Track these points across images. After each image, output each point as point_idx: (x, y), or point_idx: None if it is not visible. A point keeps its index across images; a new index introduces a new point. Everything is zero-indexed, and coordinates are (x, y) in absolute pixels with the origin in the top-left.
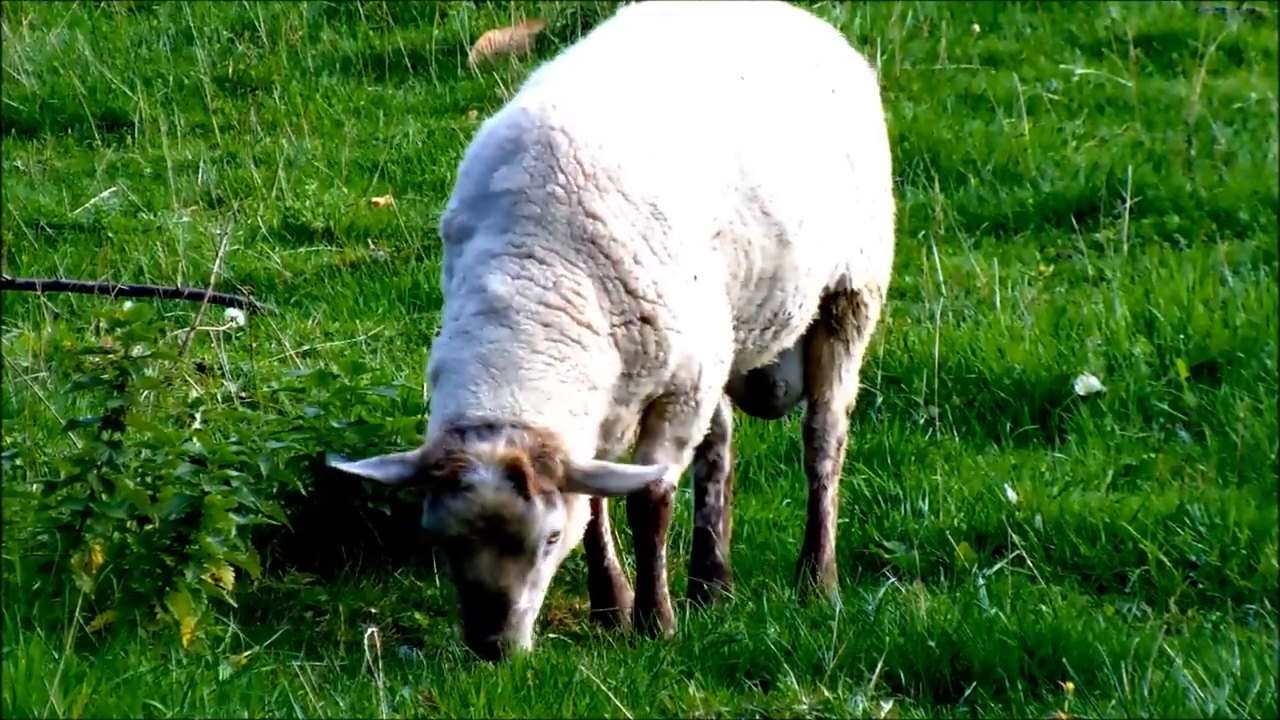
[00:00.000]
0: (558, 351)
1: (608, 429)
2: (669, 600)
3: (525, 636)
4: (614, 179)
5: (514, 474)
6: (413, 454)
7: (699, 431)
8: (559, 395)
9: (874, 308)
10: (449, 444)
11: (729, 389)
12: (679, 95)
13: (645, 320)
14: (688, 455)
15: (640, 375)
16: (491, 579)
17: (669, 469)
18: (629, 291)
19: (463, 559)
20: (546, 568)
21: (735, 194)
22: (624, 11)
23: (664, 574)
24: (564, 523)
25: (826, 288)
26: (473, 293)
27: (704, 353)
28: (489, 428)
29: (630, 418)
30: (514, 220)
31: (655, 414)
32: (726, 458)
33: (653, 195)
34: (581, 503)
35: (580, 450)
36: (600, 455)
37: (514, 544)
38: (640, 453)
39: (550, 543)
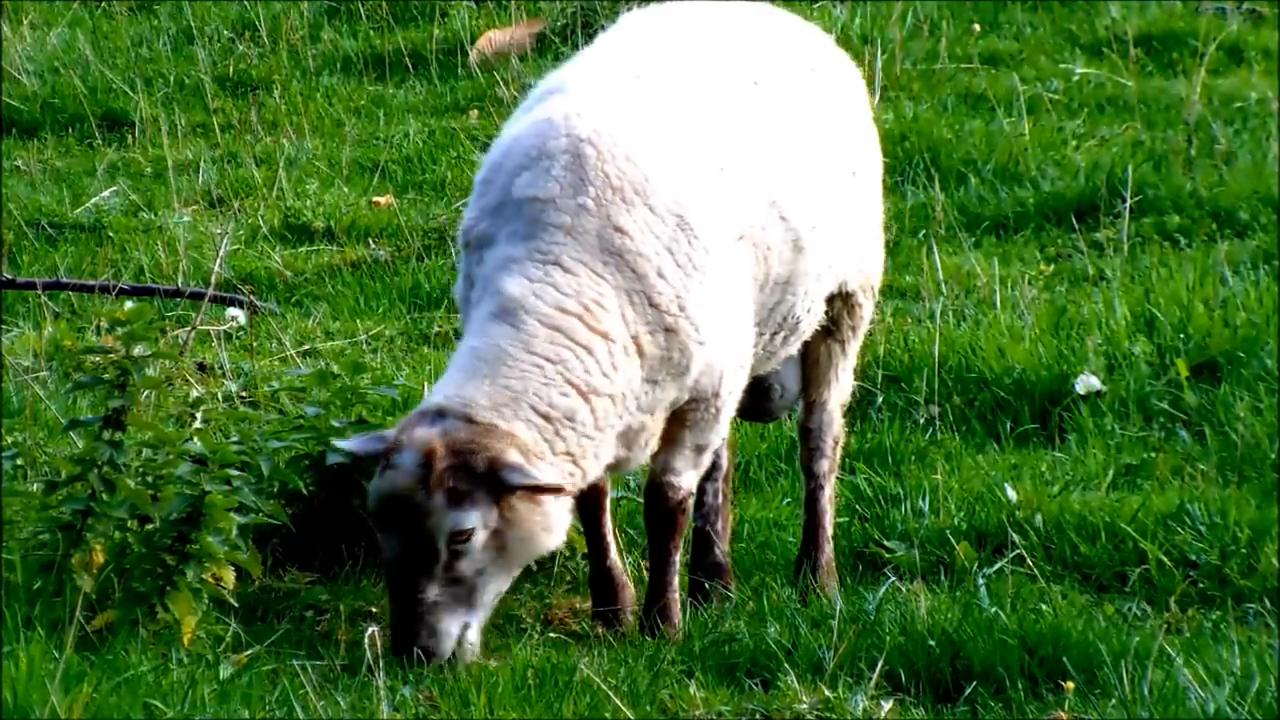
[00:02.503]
0: (554, 354)
1: (630, 437)
2: (678, 605)
3: (443, 638)
4: (640, 192)
5: (427, 463)
6: (388, 431)
7: (718, 437)
8: (531, 395)
9: (868, 308)
10: (405, 425)
11: None
12: (698, 102)
13: (669, 331)
14: (706, 460)
15: (665, 381)
16: (396, 561)
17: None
18: (653, 305)
19: (381, 536)
20: (468, 566)
21: (755, 199)
22: (626, 17)
23: (675, 580)
24: (482, 523)
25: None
26: (490, 296)
27: (725, 359)
28: (439, 414)
29: (655, 426)
30: (541, 228)
31: (677, 422)
32: (725, 457)
33: (679, 206)
34: (547, 508)
35: (547, 455)
36: (621, 462)
37: (415, 532)
38: (660, 460)
39: (460, 541)
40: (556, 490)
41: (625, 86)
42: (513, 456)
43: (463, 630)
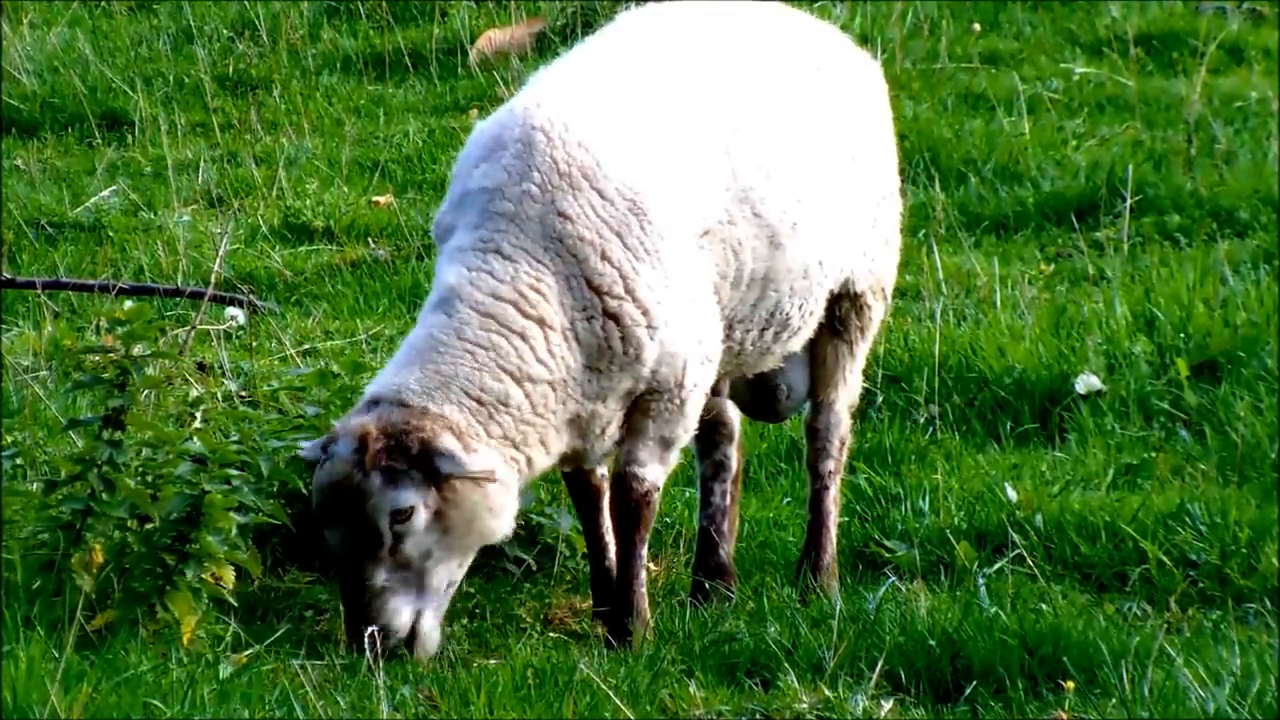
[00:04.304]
0: (486, 340)
1: (583, 425)
2: (646, 599)
3: (395, 615)
4: (589, 177)
5: (361, 446)
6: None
7: (685, 432)
8: (462, 380)
9: (878, 310)
10: (342, 420)
11: (731, 392)
12: (671, 95)
13: (610, 316)
14: (673, 457)
15: (611, 370)
16: (343, 552)
17: (503, 468)
18: (593, 288)
19: (325, 531)
20: (413, 548)
21: (725, 194)
22: (623, 15)
23: (642, 573)
24: (422, 502)
25: (830, 290)
26: (435, 287)
27: (688, 350)
28: (374, 404)
29: (609, 414)
30: (487, 217)
31: (640, 412)
32: (733, 458)
33: (632, 191)
34: (489, 489)
35: (482, 437)
36: (580, 453)
37: (358, 517)
38: (625, 450)
39: (401, 521)
40: (487, 477)
41: (596, 79)
42: (445, 441)
43: (416, 617)
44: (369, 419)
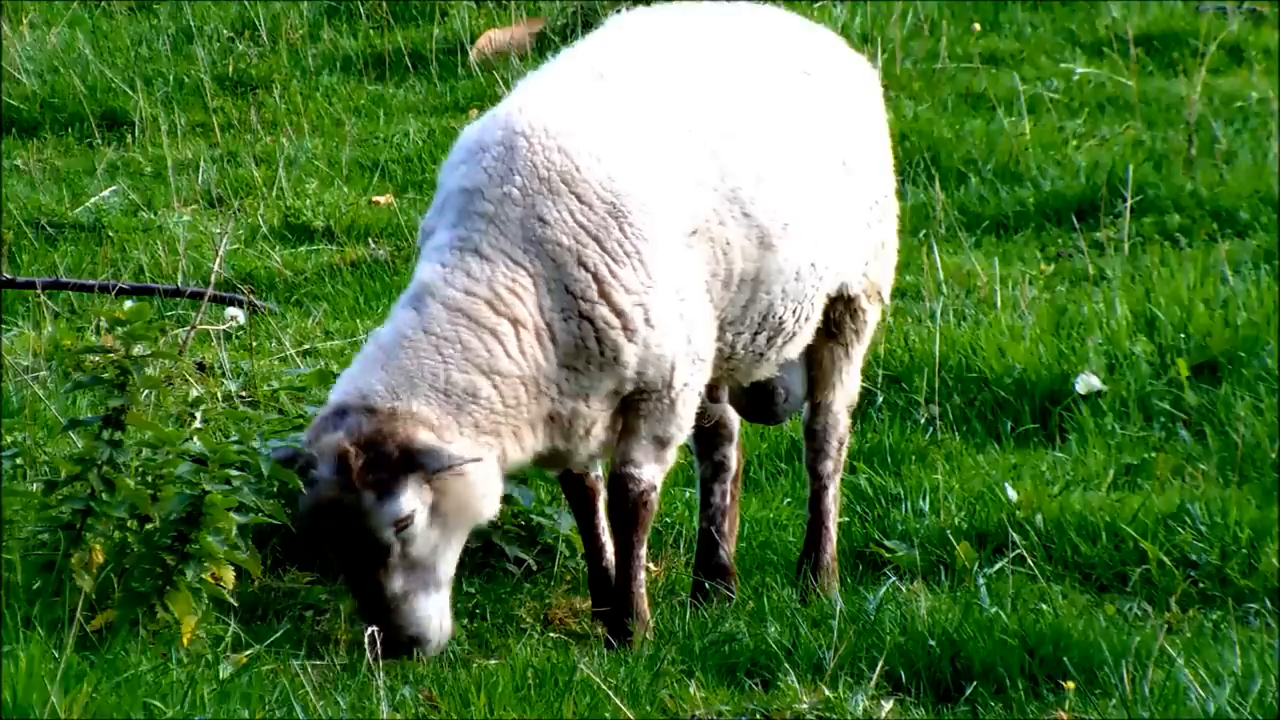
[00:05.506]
0: (454, 335)
1: (563, 424)
2: (645, 600)
3: (427, 622)
4: (568, 181)
5: (343, 467)
6: (302, 435)
7: (680, 431)
8: (427, 374)
9: (873, 312)
10: (310, 433)
11: (729, 395)
12: (657, 97)
13: (584, 318)
14: (670, 456)
15: (590, 370)
16: (352, 567)
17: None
18: (569, 292)
19: (326, 549)
20: (422, 545)
21: (713, 194)
22: (614, 18)
23: (641, 574)
24: (419, 502)
25: (826, 294)
26: (411, 284)
27: (676, 350)
28: (340, 414)
29: (592, 414)
30: (467, 216)
31: (631, 413)
32: (733, 458)
33: (612, 194)
34: (473, 477)
35: (454, 428)
36: (563, 454)
37: (360, 534)
38: (620, 450)
39: (401, 527)
40: (474, 460)
41: (580, 83)
42: (423, 437)
43: (439, 614)
44: (340, 435)
